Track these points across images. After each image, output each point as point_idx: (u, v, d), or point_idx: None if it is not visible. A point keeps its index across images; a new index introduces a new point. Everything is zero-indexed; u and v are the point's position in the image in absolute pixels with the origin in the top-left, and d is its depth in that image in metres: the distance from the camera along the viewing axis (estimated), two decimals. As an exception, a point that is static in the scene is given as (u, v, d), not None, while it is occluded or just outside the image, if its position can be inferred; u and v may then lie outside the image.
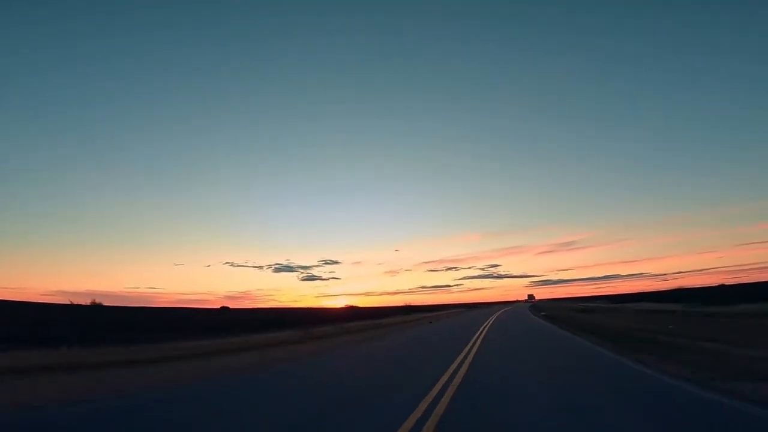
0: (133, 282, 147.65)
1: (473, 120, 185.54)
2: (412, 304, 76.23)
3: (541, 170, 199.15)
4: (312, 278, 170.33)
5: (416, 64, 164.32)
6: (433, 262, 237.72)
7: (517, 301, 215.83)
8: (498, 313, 51.69)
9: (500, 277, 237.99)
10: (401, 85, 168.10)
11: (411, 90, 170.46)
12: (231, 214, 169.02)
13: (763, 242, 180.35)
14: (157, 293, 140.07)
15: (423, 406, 6.06)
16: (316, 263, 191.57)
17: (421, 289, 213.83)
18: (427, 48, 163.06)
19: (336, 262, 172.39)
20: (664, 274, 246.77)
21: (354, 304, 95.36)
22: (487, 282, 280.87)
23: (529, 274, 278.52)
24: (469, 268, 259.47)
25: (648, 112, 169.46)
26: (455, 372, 9.07)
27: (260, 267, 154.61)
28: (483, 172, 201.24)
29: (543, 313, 47.11)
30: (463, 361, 10.70)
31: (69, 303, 40.12)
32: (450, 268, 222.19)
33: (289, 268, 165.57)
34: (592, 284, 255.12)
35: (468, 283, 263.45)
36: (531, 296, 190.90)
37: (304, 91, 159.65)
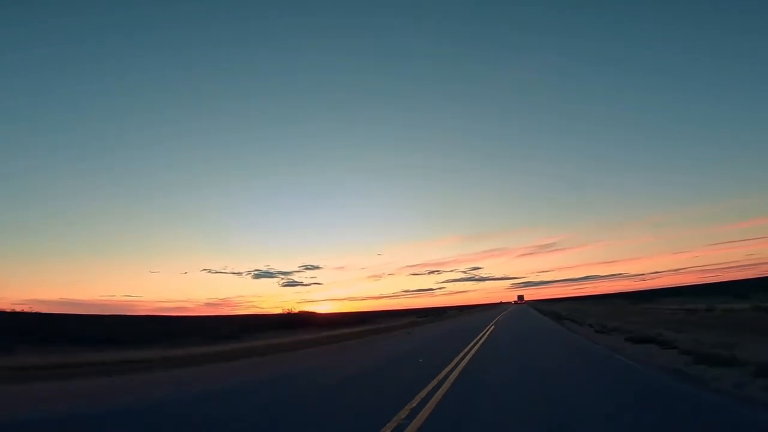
0: (108, 290, 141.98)
1: (453, 125, 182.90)
2: (293, 311, 55.26)
3: (519, 173, 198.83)
4: (293, 284, 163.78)
5: (399, 69, 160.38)
6: (415, 266, 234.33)
7: (502, 303, 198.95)
8: (477, 345, 13.79)
9: (482, 279, 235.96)
10: (382, 90, 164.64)
11: (392, 95, 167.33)
12: (207, 220, 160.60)
13: (735, 241, 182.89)
14: (135, 301, 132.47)
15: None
16: (297, 269, 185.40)
17: (404, 293, 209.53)
18: (411, 53, 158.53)
19: (317, 267, 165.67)
20: (642, 274, 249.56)
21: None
22: (469, 285, 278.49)
23: (510, 276, 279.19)
24: (452, 271, 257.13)
25: (626, 115, 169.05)
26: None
27: (239, 273, 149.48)
28: (463, 176, 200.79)
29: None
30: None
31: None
32: (432, 272, 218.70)
33: (269, 274, 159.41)
34: (572, 285, 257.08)
35: (450, 286, 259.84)
36: (521, 297, 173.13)
37: (282, 96, 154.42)
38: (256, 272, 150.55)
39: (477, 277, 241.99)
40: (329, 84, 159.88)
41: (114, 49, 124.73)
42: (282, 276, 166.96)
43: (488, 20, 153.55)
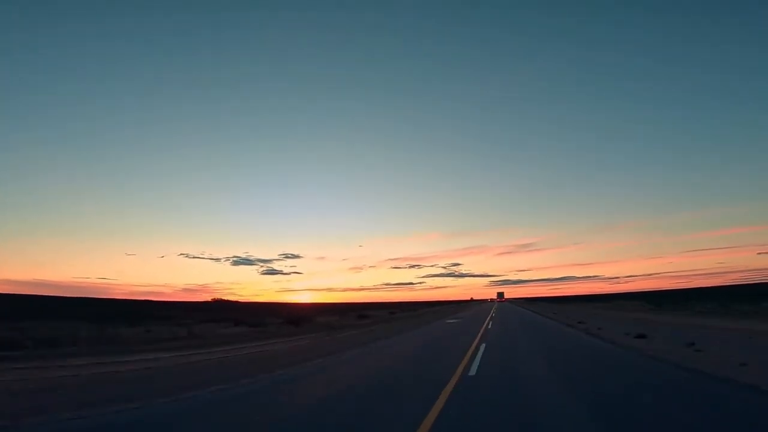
0: (81, 272, 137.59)
1: (438, 122, 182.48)
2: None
3: (501, 174, 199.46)
4: (272, 272, 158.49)
5: (385, 66, 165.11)
6: (397, 259, 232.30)
7: (473, 301, 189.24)
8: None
9: (462, 275, 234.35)
10: (368, 85, 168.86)
11: (378, 91, 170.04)
12: (185, 204, 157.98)
13: (707, 249, 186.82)
14: (109, 284, 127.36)
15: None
16: (277, 257, 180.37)
17: (384, 286, 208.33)
18: (400, 52, 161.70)
19: (297, 256, 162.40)
20: (617, 277, 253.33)
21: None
22: (449, 280, 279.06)
23: (489, 274, 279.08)
24: (432, 266, 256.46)
25: (609, 121, 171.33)
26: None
27: (217, 259, 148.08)
28: (447, 173, 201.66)
29: None
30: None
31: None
32: (413, 266, 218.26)
33: (248, 261, 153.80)
34: (548, 285, 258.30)
35: (430, 281, 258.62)
36: (501, 294, 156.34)
37: (266, 87, 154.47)
38: (234, 259, 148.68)
39: (457, 273, 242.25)
40: (313, 77, 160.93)
41: (95, 34, 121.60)
42: (261, 264, 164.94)
43: (478, 21, 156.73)
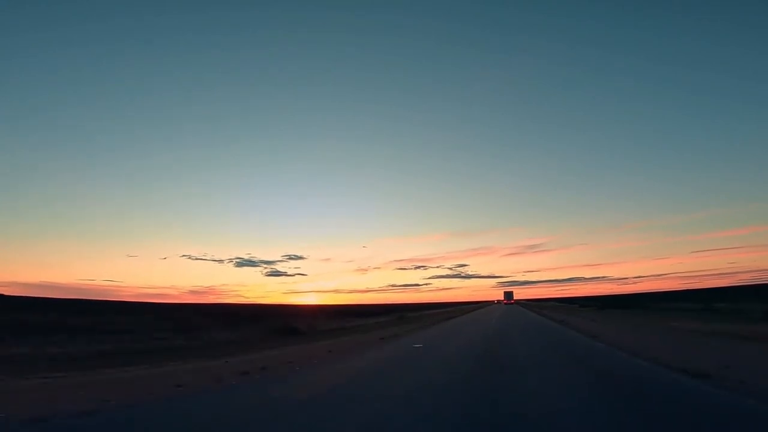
0: (88, 274, 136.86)
1: (445, 122, 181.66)
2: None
3: (508, 174, 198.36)
4: (277, 274, 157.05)
5: (388, 64, 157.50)
6: (402, 260, 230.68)
7: (468, 303, 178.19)
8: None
9: (468, 277, 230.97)
10: (371, 84, 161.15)
11: (381, 90, 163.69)
12: (186, 204, 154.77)
13: (717, 249, 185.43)
14: (116, 286, 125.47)
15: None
16: (280, 258, 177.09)
17: (391, 288, 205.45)
18: (402, 51, 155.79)
19: (301, 258, 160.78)
20: (625, 278, 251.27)
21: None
22: (455, 282, 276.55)
23: (496, 275, 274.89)
24: (438, 267, 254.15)
25: (615, 121, 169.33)
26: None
27: (220, 261, 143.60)
28: (452, 173, 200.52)
29: None
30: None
31: None
32: (419, 267, 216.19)
33: (251, 263, 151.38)
34: (556, 286, 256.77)
35: (437, 283, 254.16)
36: (509, 294, 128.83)
37: (267, 85, 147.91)
38: (237, 260, 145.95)
39: (463, 275, 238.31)
40: (315, 75, 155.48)
41: (95, 35, 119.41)
42: (265, 265, 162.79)
43: (477, 19, 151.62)
